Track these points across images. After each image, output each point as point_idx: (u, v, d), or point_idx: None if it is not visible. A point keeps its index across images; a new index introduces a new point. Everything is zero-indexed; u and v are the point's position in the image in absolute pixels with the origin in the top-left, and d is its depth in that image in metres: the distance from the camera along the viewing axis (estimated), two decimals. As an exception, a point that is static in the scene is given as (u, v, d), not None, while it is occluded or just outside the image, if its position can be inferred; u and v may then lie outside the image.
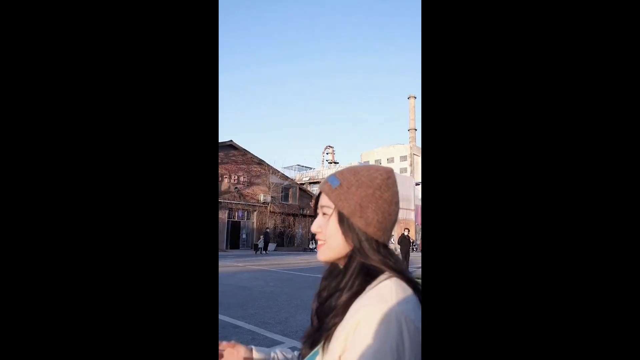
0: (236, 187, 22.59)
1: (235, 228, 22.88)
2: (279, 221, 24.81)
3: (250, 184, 23.48)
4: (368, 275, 0.64)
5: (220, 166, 21.72)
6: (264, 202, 23.84)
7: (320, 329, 0.64)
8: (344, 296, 0.63)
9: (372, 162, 45.38)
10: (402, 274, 0.64)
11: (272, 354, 0.82)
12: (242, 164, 23.14)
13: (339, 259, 0.69)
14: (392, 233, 0.71)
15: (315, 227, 0.70)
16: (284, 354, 0.83)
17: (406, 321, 0.55)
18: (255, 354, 0.79)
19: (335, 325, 0.61)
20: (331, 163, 34.01)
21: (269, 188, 24.16)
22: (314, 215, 0.73)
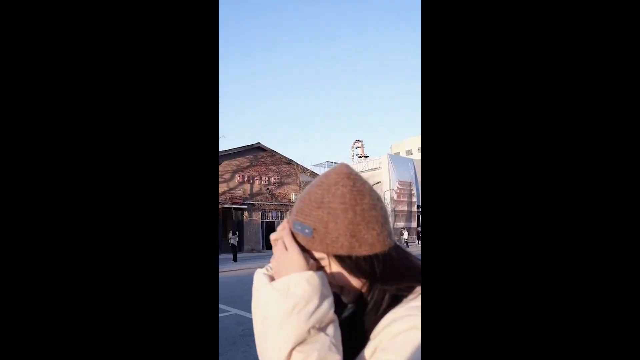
0: (267, 189, 22.94)
1: (269, 228, 23.19)
2: (311, 219, 24.83)
3: (281, 184, 23.76)
4: (395, 299, 0.58)
5: (250, 168, 22.19)
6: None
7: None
8: (372, 318, 0.58)
9: (402, 153, 44.72)
10: None
11: None
12: (272, 165, 23.45)
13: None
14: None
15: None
16: None
17: None
18: None
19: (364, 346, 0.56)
20: (361, 157, 33.74)
21: (300, 187, 24.32)
22: None
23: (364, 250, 0.56)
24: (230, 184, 21.10)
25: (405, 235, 23.07)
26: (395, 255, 0.59)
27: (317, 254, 0.58)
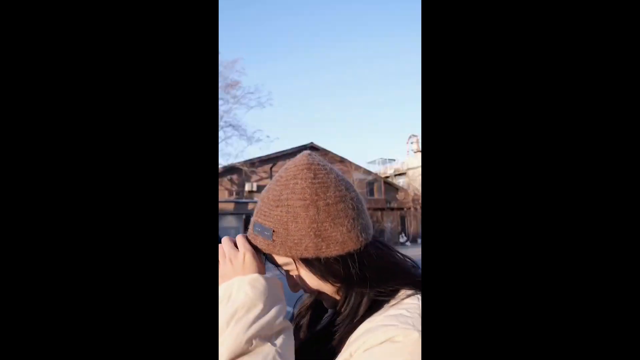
0: (321, 187, 23.10)
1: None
2: (367, 217, 24.73)
3: (335, 182, 23.78)
4: (375, 304, 0.52)
5: (304, 168, 22.45)
6: (350, 199, 23.90)
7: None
8: (348, 326, 0.52)
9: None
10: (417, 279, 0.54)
11: None
12: (325, 164, 23.58)
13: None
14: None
15: (294, 289, 0.56)
16: None
17: None
18: None
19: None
20: (416, 152, 32.72)
21: (354, 184, 24.25)
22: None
23: (333, 251, 0.49)
24: (285, 184, 21.54)
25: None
26: (374, 253, 0.52)
27: (281, 259, 0.51)
